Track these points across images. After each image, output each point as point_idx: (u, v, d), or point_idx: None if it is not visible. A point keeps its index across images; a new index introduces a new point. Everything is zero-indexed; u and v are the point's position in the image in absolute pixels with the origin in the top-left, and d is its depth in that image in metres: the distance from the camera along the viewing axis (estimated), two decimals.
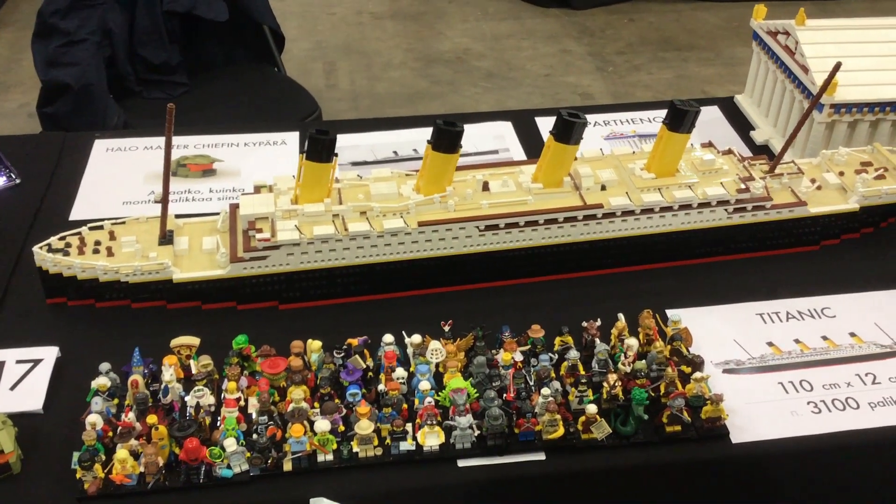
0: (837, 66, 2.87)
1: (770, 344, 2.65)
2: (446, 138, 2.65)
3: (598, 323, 2.55)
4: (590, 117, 3.62)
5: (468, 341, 2.50)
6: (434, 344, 2.46)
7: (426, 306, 2.69)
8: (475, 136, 3.51)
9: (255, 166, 3.30)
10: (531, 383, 2.42)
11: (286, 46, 5.82)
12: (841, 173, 3.00)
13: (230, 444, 2.17)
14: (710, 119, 3.67)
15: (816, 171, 3.05)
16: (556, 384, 2.40)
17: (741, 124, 3.62)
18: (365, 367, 2.42)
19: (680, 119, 2.76)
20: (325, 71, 7.20)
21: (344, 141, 3.52)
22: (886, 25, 3.30)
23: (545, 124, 3.56)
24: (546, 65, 7.41)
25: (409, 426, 2.30)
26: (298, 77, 6.70)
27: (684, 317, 2.68)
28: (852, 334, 2.68)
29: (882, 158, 3.05)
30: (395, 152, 3.41)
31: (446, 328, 2.51)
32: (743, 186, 2.84)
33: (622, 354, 2.47)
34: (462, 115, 3.70)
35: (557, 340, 2.55)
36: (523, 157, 3.39)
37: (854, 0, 8.27)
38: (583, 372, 2.44)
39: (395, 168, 2.92)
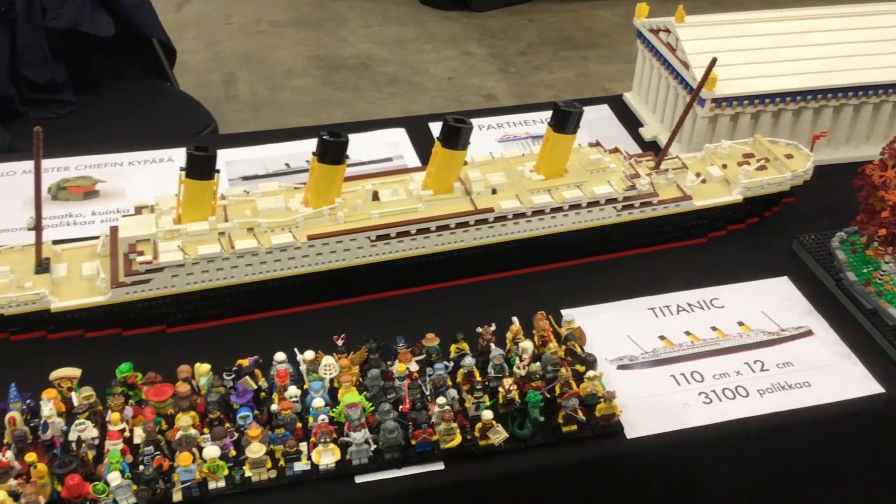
0: (713, 62, 2.93)
1: (662, 337, 2.69)
2: (331, 150, 2.61)
3: (493, 328, 2.54)
4: (483, 120, 3.68)
5: (362, 354, 2.46)
6: (327, 359, 2.42)
7: (319, 321, 2.64)
8: (368, 145, 3.47)
9: (141, 186, 3.19)
10: (427, 393, 2.40)
11: (182, 59, 5.68)
12: (724, 166, 3.07)
13: (114, 477, 2.08)
14: (601, 117, 3.71)
15: (701, 164, 3.11)
16: (453, 392, 2.38)
17: (630, 121, 3.67)
18: (256, 387, 2.36)
19: (564, 120, 2.77)
20: (224, 82, 7.05)
21: (235, 155, 3.45)
22: (762, 19, 3.39)
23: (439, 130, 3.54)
24: (449, 68, 7.42)
25: (303, 445, 2.25)
26: (196, 89, 6.57)
27: (579, 316, 2.70)
28: (740, 323, 2.74)
29: (763, 149, 3.13)
30: (287, 164, 3.35)
31: (339, 342, 2.47)
32: (630, 184, 2.87)
33: (517, 358, 2.47)
34: (355, 124, 3.66)
35: (453, 348, 2.53)
36: (418, 163, 3.37)
37: None
38: (479, 378, 2.43)
39: (288, 181, 2.87)
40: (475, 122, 3.60)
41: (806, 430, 2.47)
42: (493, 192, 2.83)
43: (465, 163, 2.93)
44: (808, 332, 2.71)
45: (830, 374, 2.58)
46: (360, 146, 3.45)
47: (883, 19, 3.43)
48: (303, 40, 7.71)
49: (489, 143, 3.52)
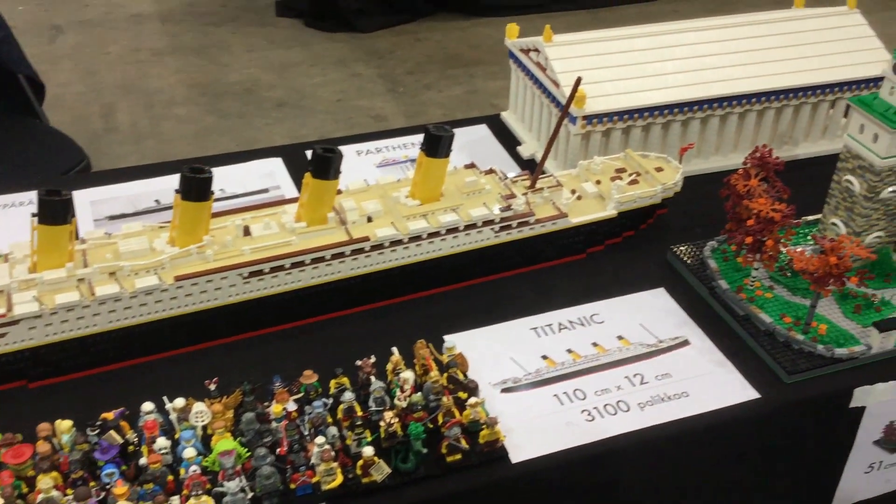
0: (578, 81, 2.96)
1: (545, 357, 2.69)
2: (195, 186, 2.51)
3: (373, 359, 2.49)
4: (362, 145, 3.63)
5: (236, 398, 2.37)
6: (198, 406, 2.31)
7: (190, 365, 2.53)
8: (244, 176, 3.38)
9: None
10: (306, 433, 2.32)
11: (57, 92, 5.45)
12: (598, 182, 3.11)
13: None
14: (480, 137, 3.72)
15: (576, 181, 3.14)
16: (333, 430, 2.31)
17: (509, 140, 3.69)
18: (122, 441, 2.24)
19: (435, 144, 2.76)
20: (102, 114, 6.80)
21: (104, 193, 3.30)
22: (629, 35, 3.45)
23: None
24: (337, 90, 7.35)
25: (175, 499, 2.14)
26: (72, 123, 6.31)
27: (462, 340, 2.68)
28: (620, 337, 2.76)
29: (635, 163, 3.18)
30: (157, 201, 3.22)
31: (212, 387, 2.37)
32: (506, 204, 2.87)
33: (398, 389, 2.42)
34: (230, 155, 3.56)
35: (332, 383, 2.47)
36: (296, 193, 3.29)
37: (625, 7, 8.77)
38: (360, 413, 2.37)
39: (158, 218, 2.76)
40: (353, 147, 3.62)
41: (687, 440, 2.50)
42: (369, 220, 2.78)
43: (340, 191, 2.88)
44: (685, 342, 2.75)
45: (708, 382, 2.62)
46: (235, 178, 3.36)
47: (743, 31, 3.55)
48: (184, 67, 7.52)
49: (368, 169, 3.47)
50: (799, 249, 2.65)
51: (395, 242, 2.74)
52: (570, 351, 2.71)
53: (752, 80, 3.38)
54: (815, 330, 2.69)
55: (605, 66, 3.35)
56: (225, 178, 3.36)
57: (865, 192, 2.78)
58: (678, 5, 8.80)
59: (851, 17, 3.67)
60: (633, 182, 3.10)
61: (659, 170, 3.13)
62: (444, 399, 2.39)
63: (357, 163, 3.51)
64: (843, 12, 3.69)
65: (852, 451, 2.76)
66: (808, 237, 3.06)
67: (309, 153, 3.47)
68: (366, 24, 8.14)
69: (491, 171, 3.04)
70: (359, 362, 2.48)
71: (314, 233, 2.70)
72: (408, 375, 2.43)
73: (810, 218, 3.11)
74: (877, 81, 3.47)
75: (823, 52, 3.52)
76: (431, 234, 2.78)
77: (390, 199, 2.85)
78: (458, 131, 3.66)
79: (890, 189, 2.78)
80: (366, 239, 2.70)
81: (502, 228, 2.86)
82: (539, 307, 2.84)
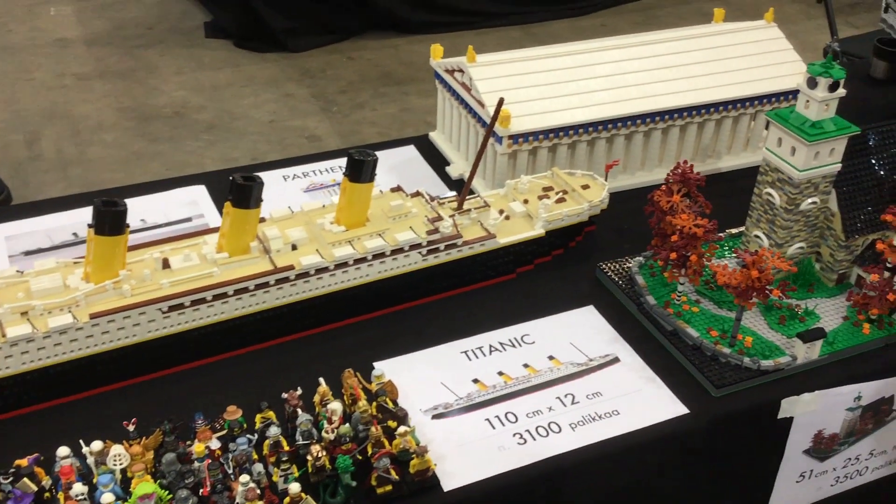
0: (501, 102, 2.96)
1: (476, 381, 2.67)
2: (108, 220, 2.43)
3: (299, 392, 2.44)
4: (288, 170, 3.57)
5: (156, 438, 2.29)
6: (116, 448, 2.23)
7: (107, 406, 2.45)
8: (165, 205, 3.30)
9: None
10: (230, 471, 2.26)
11: None
12: (526, 201, 3.11)
13: None
14: (408, 158, 3.69)
15: (504, 201, 3.13)
16: (259, 467, 2.25)
17: (437, 160, 3.67)
18: (37, 489, 2.14)
19: (358, 169, 2.72)
20: (26, 142, 6.61)
21: (19, 228, 3.19)
22: (552, 54, 3.47)
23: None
24: (270, 111, 7.26)
25: None
26: None
27: (392, 367, 2.65)
28: (551, 357, 2.75)
29: (561, 182, 3.19)
30: (74, 234, 3.12)
31: (131, 427, 2.29)
32: (433, 227, 2.85)
33: (325, 421, 2.37)
34: (151, 184, 3.47)
35: (258, 418, 2.41)
36: (220, 221, 3.22)
37: (556, 22, 8.86)
38: (287, 448, 2.31)
39: (76, 252, 2.66)
40: (280, 172, 3.56)
41: (619, 458, 2.50)
42: (294, 248, 2.73)
43: (263, 219, 2.82)
44: (615, 360, 2.75)
45: (637, 399, 2.62)
46: (157, 207, 3.28)
47: (665, 47, 3.59)
48: (111, 92, 7.35)
49: (295, 194, 3.42)
50: (722, 263, 2.67)
51: (321, 270, 2.69)
52: (501, 373, 2.69)
53: (674, 96, 3.42)
54: (741, 343, 2.71)
55: (530, 84, 3.36)
56: (146, 208, 3.28)
57: (785, 205, 2.83)
58: (606, 19, 8.93)
59: (769, 31, 3.75)
60: (560, 200, 3.10)
61: (585, 187, 3.15)
62: (373, 429, 2.35)
63: (284, 188, 3.45)
64: (762, 26, 3.76)
65: (783, 462, 2.79)
66: (733, 250, 3.09)
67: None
68: (297, 44, 8.08)
69: (417, 194, 3.02)
70: (285, 395, 2.43)
71: (236, 263, 2.64)
72: (335, 406, 2.38)
73: (734, 231, 3.15)
74: (795, 94, 3.54)
75: (743, 66, 3.58)
76: (358, 261, 2.74)
77: (315, 225, 2.81)
78: (386, 153, 3.71)
79: (809, 201, 2.82)
80: (290, 267, 2.65)
81: (430, 252, 2.84)
82: (469, 330, 2.82)
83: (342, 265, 2.72)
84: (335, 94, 7.53)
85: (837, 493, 2.98)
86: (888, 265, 2.73)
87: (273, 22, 8.01)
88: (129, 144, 6.70)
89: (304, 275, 2.67)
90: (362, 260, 2.74)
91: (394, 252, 2.78)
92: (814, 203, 2.83)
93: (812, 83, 2.70)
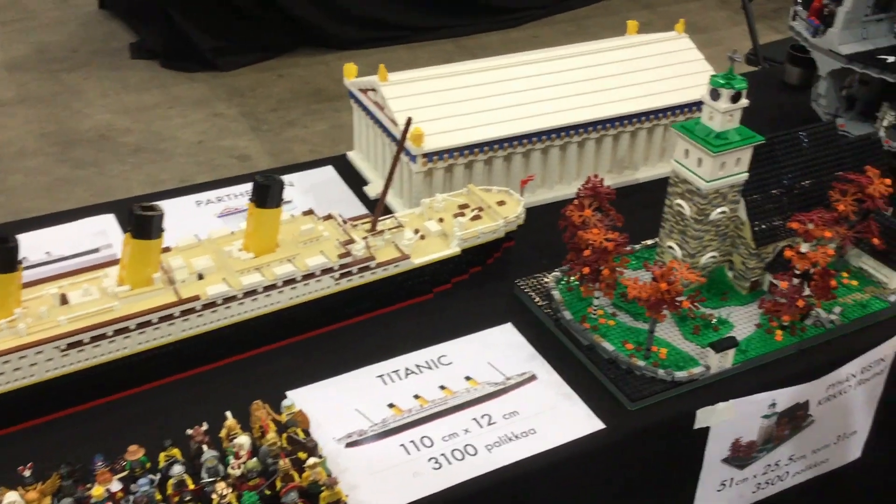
0: (409, 122, 2.94)
1: (391, 405, 2.63)
2: None
3: (205, 427, 2.37)
4: (201, 196, 3.50)
5: (53, 483, 2.20)
6: (10, 496, 2.14)
7: (1, 451, 2.35)
8: (72, 236, 3.20)
9: None
10: None
11: None
12: (441, 220, 3.08)
13: None
14: (326, 179, 3.65)
15: (419, 220, 3.10)
16: None
17: (356, 181, 3.63)
18: None
19: (264, 195, 2.67)
20: None
21: None
22: (464, 71, 3.46)
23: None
24: (198, 131, 7.15)
25: None
26: None
27: (305, 396, 2.59)
28: (468, 378, 2.72)
29: (477, 199, 3.17)
30: None
31: (26, 473, 2.20)
32: (344, 250, 2.80)
33: (232, 456, 2.31)
34: (55, 215, 3.37)
35: (162, 456, 2.33)
36: None
37: (487, 34, 8.89)
38: (191, 486, 2.25)
39: None
40: (192, 198, 3.49)
41: (536, 477, 2.48)
42: (200, 277, 2.67)
43: (168, 248, 2.75)
44: (532, 377, 2.74)
45: (554, 417, 2.61)
46: (63, 239, 3.18)
47: (579, 60, 3.61)
48: (34, 117, 7.17)
49: (209, 220, 3.34)
50: (634, 277, 2.68)
51: (229, 299, 2.63)
52: (417, 396, 2.65)
53: (589, 109, 3.43)
54: (655, 354, 2.72)
55: (444, 102, 3.34)
56: (53, 240, 3.18)
57: (695, 215, 2.84)
58: (538, 30, 8.99)
59: (681, 42, 3.79)
60: (476, 217, 3.08)
61: (501, 203, 3.14)
62: (282, 462, 2.29)
63: (197, 214, 3.38)
64: (673, 37, 3.80)
65: (702, 472, 2.80)
66: (643, 263, 3.10)
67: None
68: (225, 63, 7.97)
69: (329, 217, 2.97)
70: (190, 431, 2.36)
71: (139, 296, 2.57)
72: (242, 441, 2.32)
73: (649, 242, 3.16)
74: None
75: (655, 77, 3.61)
76: (267, 288, 2.68)
77: (223, 253, 2.75)
78: (303, 175, 3.66)
79: (718, 211, 2.85)
80: (196, 298, 2.58)
81: (342, 275, 2.80)
82: (385, 353, 2.78)
83: (251, 293, 2.66)
84: (265, 113, 7.45)
85: (760, 499, 3.00)
86: (797, 272, 2.76)
87: (200, 41, 7.90)
88: (52, 170, 6.54)
89: (210, 305, 2.61)
90: (272, 287, 2.69)
91: (305, 277, 2.73)
92: (723, 213, 2.86)
93: (715, 94, 2.73)
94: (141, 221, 2.52)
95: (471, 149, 3.27)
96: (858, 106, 3.81)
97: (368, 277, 2.85)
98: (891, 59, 3.49)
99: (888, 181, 2.86)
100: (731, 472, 2.85)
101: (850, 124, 3.72)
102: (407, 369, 2.74)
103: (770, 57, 5.98)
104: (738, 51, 2.81)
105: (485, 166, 3.37)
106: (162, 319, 2.55)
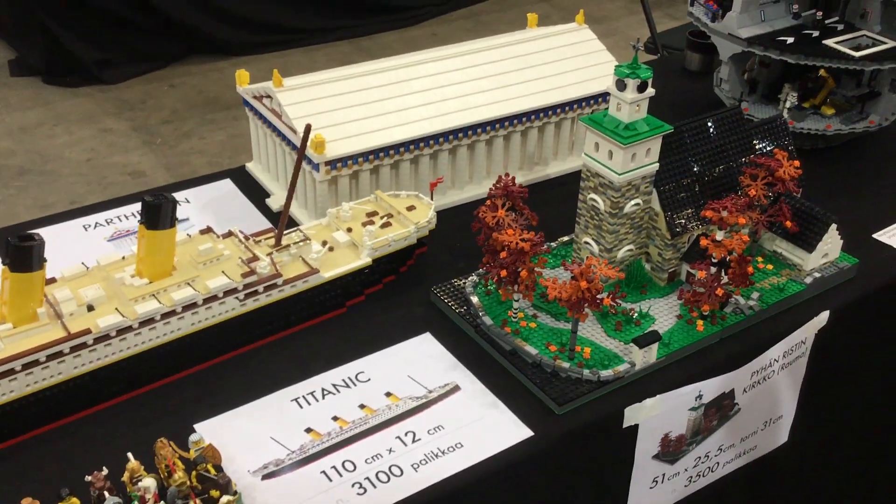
0: (308, 129, 2.82)
1: (309, 430, 2.50)
2: None
3: (105, 472, 2.20)
4: (89, 219, 3.30)
5: None
6: None
7: None
8: None
9: None
10: None
11: None
12: (350, 229, 2.97)
13: None
14: (224, 193, 3.49)
15: (327, 231, 2.99)
16: None
17: (257, 193, 3.48)
18: None
19: (155, 215, 2.51)
20: None
21: None
22: (364, 73, 3.35)
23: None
24: (86, 149, 6.85)
25: None
26: None
27: (215, 427, 2.45)
28: (388, 394, 2.62)
29: (386, 205, 3.08)
30: None
31: None
32: (248, 269, 2.67)
33: (137, 501, 2.14)
34: None
35: None
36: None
37: (385, 34, 8.79)
38: None
39: None
40: (80, 222, 3.28)
41: (466, 493, 2.40)
42: (90, 309, 2.49)
43: (55, 279, 2.56)
44: (456, 388, 2.65)
45: (481, 428, 2.53)
46: None
47: (481, 57, 3.54)
48: None
49: (98, 245, 3.15)
50: (553, 276, 2.63)
51: (124, 330, 2.46)
52: (336, 418, 2.54)
53: (494, 107, 3.38)
54: (579, 355, 2.67)
55: (345, 106, 3.23)
56: None
57: (610, 209, 2.81)
58: (436, 28, 8.95)
59: (582, 33, 3.77)
60: (386, 225, 2.99)
61: (411, 208, 3.05)
62: (192, 503, 2.14)
63: (85, 239, 3.18)
64: (574, 29, 3.78)
65: (634, 469, 2.77)
66: (568, 259, 3.07)
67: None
68: (112, 75, 7.67)
69: (229, 234, 2.83)
70: (89, 477, 2.18)
71: (22, 334, 2.37)
72: (148, 483, 2.16)
73: (566, 238, 3.12)
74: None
75: (558, 70, 3.58)
76: (166, 315, 2.53)
77: (114, 281, 2.57)
78: (199, 190, 3.49)
79: (632, 203, 2.82)
80: (87, 331, 2.41)
81: (248, 296, 2.66)
82: (299, 374, 2.66)
83: (148, 322, 2.50)
84: (158, 125, 7.19)
85: (693, 492, 2.99)
86: (714, 260, 2.76)
87: (83, 54, 7.57)
88: None
89: (104, 338, 2.44)
90: (171, 314, 2.54)
91: (207, 301, 2.59)
92: (637, 205, 2.84)
93: (621, 85, 2.70)
94: (19, 253, 2.33)
95: (376, 153, 3.17)
96: (761, 89, 3.87)
97: (276, 296, 2.72)
98: (790, 40, 3.55)
99: (797, 163, 2.88)
100: (662, 467, 2.83)
101: (754, 107, 3.77)
102: (323, 390, 2.62)
103: (668, 45, 6.07)
104: (632, 43, 2.79)
105: (391, 171, 3.28)
106: (50, 357, 2.37)
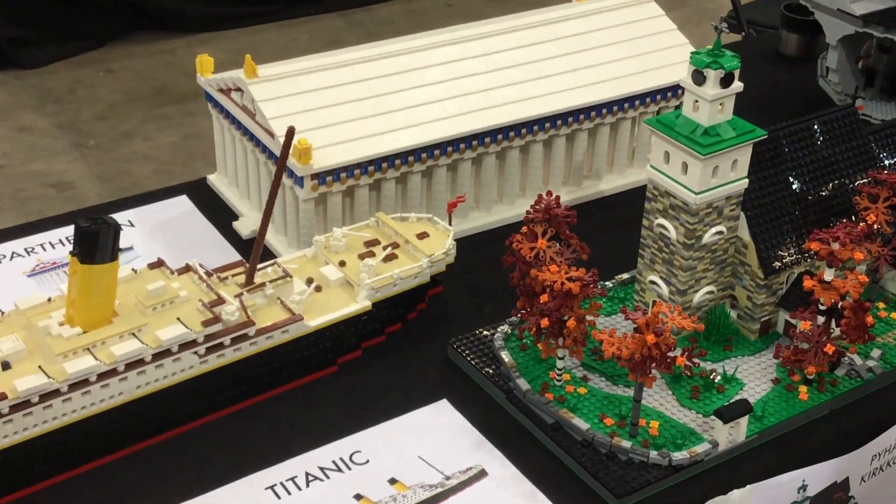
0: (291, 132, 2.86)
1: None
2: None
3: None
4: (3, 247, 3.39)
5: None
6: None
7: None
8: None
9: None
10: None
11: None
12: (343, 263, 3.01)
13: None
14: (179, 214, 3.55)
15: (313, 265, 3.03)
16: None
17: (222, 214, 3.54)
18: None
19: (91, 244, 2.54)
20: None
21: None
22: (362, 59, 3.41)
23: None
24: None
25: None
26: None
27: None
28: (393, 481, 2.64)
29: (390, 232, 3.12)
30: None
31: None
32: (211, 315, 2.70)
33: None
34: None
35: None
36: None
37: (386, 5, 8.90)
38: None
39: None
40: None
41: None
42: (6, 367, 2.53)
43: None
44: (482, 473, 2.68)
45: None
46: None
47: (513, 39, 3.61)
48: None
49: (15, 282, 3.20)
50: (610, 328, 2.64)
51: (49, 395, 2.50)
52: None
53: (530, 104, 3.42)
54: (644, 430, 2.69)
55: (337, 102, 3.29)
56: None
57: (684, 239, 2.83)
58: None
59: (646, 8, 3.83)
60: (391, 258, 3.03)
61: (423, 236, 3.09)
62: None
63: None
64: (635, 2, 3.83)
65: None
66: (629, 304, 3.08)
67: None
68: (32, 58, 7.79)
69: (187, 269, 2.87)
70: None
71: None
72: None
73: (625, 276, 3.15)
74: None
75: (616, 56, 3.64)
76: (104, 375, 2.56)
77: (37, 330, 2.62)
78: (147, 210, 3.55)
79: (713, 231, 2.84)
80: (2, 397, 2.44)
81: (210, 350, 2.69)
82: (277, 454, 2.69)
83: (80, 385, 2.53)
84: (91, 122, 7.28)
85: None
86: (821, 307, 2.76)
87: None
88: None
89: (23, 405, 2.47)
90: (110, 373, 2.57)
91: (157, 356, 2.63)
92: (719, 234, 2.86)
93: (699, 77, 2.72)
94: None
95: (376, 164, 3.22)
96: (879, 81, 3.89)
97: (247, 350, 2.75)
98: None
99: None
100: None
101: (871, 105, 3.79)
102: (308, 475, 2.65)
103: (756, 21, 6.10)
104: (717, 16, 2.83)
105: (397, 186, 3.33)
106: None
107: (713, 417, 2.68)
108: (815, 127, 2.99)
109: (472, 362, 2.92)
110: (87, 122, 7.29)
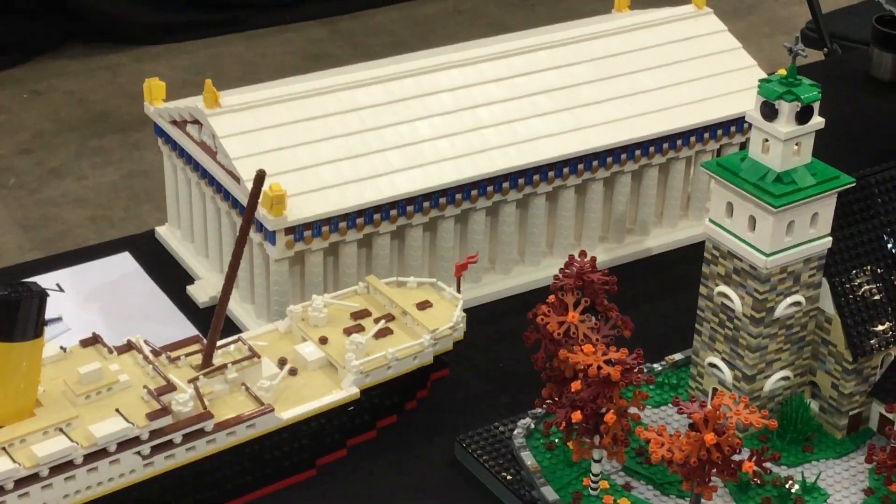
0: (261, 177, 2.88)
1: None
2: None
3: None
4: None
5: None
6: None
7: None
8: None
9: None
10: None
11: None
12: (324, 339, 3.03)
13: None
14: (120, 277, 3.59)
15: (287, 343, 3.06)
16: None
17: (173, 276, 3.58)
18: None
19: (10, 317, 2.56)
20: None
21: None
22: (348, 84, 3.45)
23: None
24: None
25: None
26: None
27: None
28: None
29: (383, 300, 3.14)
30: None
31: None
32: (158, 406, 2.72)
33: None
34: None
35: None
36: None
37: (382, 10, 8.99)
38: None
39: None
40: None
41: None
42: None
43: None
44: None
45: None
46: None
47: (537, 60, 3.64)
48: None
49: None
50: (657, 423, 2.65)
51: None
52: None
53: (559, 140, 3.46)
54: None
55: (318, 138, 3.33)
56: None
57: (752, 312, 2.84)
58: (461, 2, 9.13)
59: (704, 22, 3.86)
60: (384, 333, 3.05)
61: (425, 306, 3.11)
62: None
63: None
64: (691, 14, 3.87)
65: None
66: (683, 394, 3.09)
67: None
68: None
69: (129, 348, 2.90)
70: None
71: None
72: None
73: (678, 357, 3.16)
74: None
75: (666, 82, 3.67)
76: (23, 481, 2.57)
77: None
78: (81, 269, 3.58)
79: (788, 302, 2.86)
80: None
81: (157, 449, 2.71)
82: None
83: None
84: (12, 157, 7.36)
85: None
86: None
87: None
88: None
89: None
90: (31, 479, 2.59)
91: (90, 458, 2.64)
92: (796, 305, 2.87)
93: (770, 111, 2.75)
94: None
95: (367, 214, 3.25)
96: None
97: (203, 450, 2.77)
98: None
99: None
100: None
101: None
102: None
103: (842, 35, 6.15)
104: (793, 28, 2.86)
105: (392, 243, 3.36)
106: None
107: None
108: None
109: (486, 465, 2.92)
110: (6, 156, 7.36)
